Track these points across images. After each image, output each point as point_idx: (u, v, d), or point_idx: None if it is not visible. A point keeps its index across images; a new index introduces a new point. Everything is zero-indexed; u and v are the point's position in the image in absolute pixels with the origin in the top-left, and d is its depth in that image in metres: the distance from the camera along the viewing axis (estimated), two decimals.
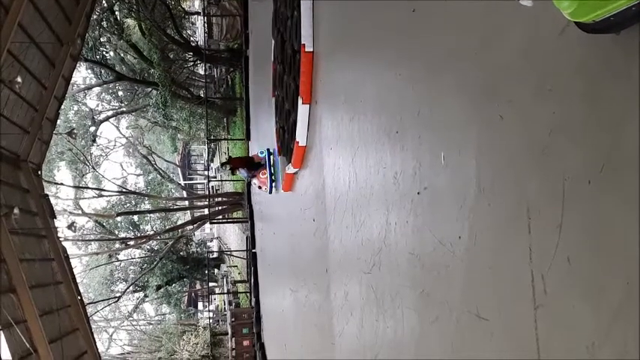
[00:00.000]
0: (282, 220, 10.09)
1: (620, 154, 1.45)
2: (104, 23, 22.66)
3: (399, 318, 3.21)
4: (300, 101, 6.18)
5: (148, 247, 30.39)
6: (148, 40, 21.73)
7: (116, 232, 30.72)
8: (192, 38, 29.08)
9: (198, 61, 26.29)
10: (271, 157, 10.04)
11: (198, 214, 27.95)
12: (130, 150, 39.82)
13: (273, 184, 10.07)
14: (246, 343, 19.77)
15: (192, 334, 28.07)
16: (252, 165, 10.84)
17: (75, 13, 10.68)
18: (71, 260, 12.34)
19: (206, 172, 41.51)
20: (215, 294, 38.79)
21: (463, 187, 2.35)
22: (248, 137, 19.56)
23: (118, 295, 30.31)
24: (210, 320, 31.03)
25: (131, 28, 23.92)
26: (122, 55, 26.58)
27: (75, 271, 13.12)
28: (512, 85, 2.00)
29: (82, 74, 29.41)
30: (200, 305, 47.14)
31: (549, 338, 1.77)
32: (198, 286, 41.48)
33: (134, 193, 32.96)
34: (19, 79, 8.95)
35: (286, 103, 7.63)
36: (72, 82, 15.07)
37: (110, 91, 31.92)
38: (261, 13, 12.08)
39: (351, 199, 4.34)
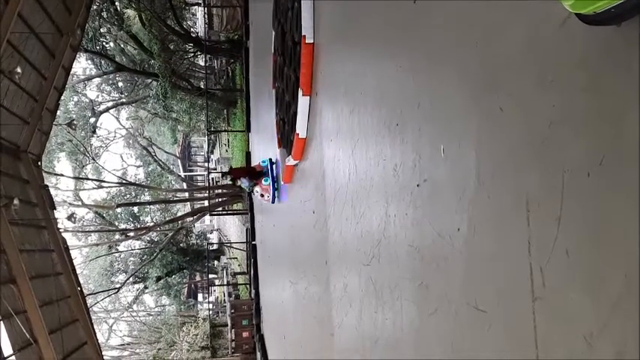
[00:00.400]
0: (281, 212, 10.10)
1: (620, 147, 1.45)
2: (104, 14, 22.59)
3: (397, 310, 3.22)
4: (300, 93, 6.16)
5: (148, 238, 30.44)
6: (148, 31, 21.66)
7: (116, 224, 30.76)
8: (192, 29, 28.98)
9: (199, 53, 26.21)
10: (274, 166, 9.92)
11: (198, 205, 27.98)
12: (130, 141, 39.80)
13: (276, 193, 9.95)
14: (245, 334, 19.85)
15: (191, 326, 28.16)
16: (254, 174, 10.71)
17: (75, 4, 10.64)
18: (71, 251, 12.38)
19: (206, 164, 41.47)
20: (215, 286, 38.92)
21: (463, 180, 2.35)
22: (248, 129, 19.53)
23: (117, 286, 30.39)
24: (210, 312, 31.11)
25: (131, 18, 23.86)
26: (122, 45, 26.52)
27: (75, 262, 13.16)
28: (512, 77, 2.00)
29: (81, 65, 29.39)
30: (200, 297, 47.29)
31: (547, 330, 1.77)
32: (198, 278, 41.59)
33: (134, 184, 32.97)
34: (18, 70, 8.94)
35: (286, 95, 7.62)
36: (72, 72, 15.03)
37: (110, 82, 31.88)
38: (261, 4, 12.03)
39: (351, 191, 4.34)
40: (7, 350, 8.79)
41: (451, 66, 2.51)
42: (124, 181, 33.03)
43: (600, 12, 1.37)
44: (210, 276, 38.13)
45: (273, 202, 10.16)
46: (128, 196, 32.67)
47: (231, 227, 37.04)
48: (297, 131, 6.60)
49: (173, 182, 38.46)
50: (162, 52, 21.77)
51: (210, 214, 27.30)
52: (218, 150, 39.86)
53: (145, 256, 30.67)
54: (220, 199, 25.45)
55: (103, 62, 25.66)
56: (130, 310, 38.28)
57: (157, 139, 41.47)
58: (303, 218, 7.16)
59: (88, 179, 30.43)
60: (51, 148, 26.29)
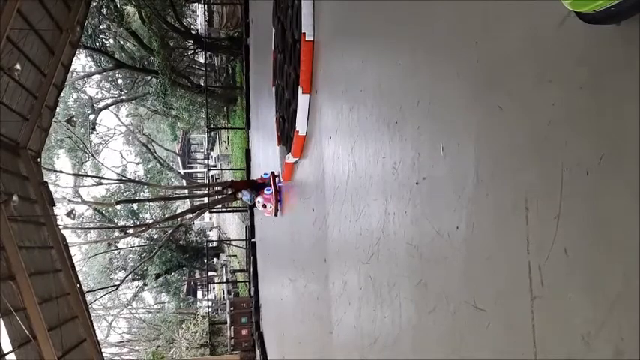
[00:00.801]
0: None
1: (620, 145, 1.45)
2: (104, 10, 22.57)
3: (396, 308, 3.22)
4: (300, 90, 6.16)
5: (148, 235, 30.45)
6: (148, 28, 21.64)
7: (115, 221, 30.79)
8: (192, 26, 28.99)
9: (199, 50, 26.20)
10: (276, 179, 9.79)
11: (198, 202, 27.97)
12: (130, 138, 39.82)
13: (279, 205, 9.81)
14: (244, 332, 19.87)
15: (191, 323, 28.19)
16: (255, 187, 10.59)
17: (74, 0, 10.62)
18: (70, 248, 12.38)
19: (206, 161, 41.47)
20: (214, 283, 38.93)
21: (462, 178, 2.35)
22: (248, 126, 19.54)
23: (117, 283, 30.39)
24: (209, 309, 31.16)
25: (131, 15, 23.81)
26: (122, 42, 26.49)
27: (74, 259, 13.17)
28: (511, 75, 2.00)
29: (81, 62, 29.36)
30: (199, 294, 47.33)
31: (545, 328, 1.78)
32: (197, 275, 41.61)
33: (134, 181, 32.97)
34: (18, 67, 8.93)
35: (286, 93, 7.61)
36: (71, 69, 15.02)
37: (110, 78, 31.87)
38: (261, 1, 12.02)
39: (350, 189, 4.34)
40: (7, 347, 8.80)
41: (451, 64, 2.51)
42: (123, 178, 33.02)
43: (600, 10, 1.37)
44: (210, 273, 38.17)
45: (275, 214, 9.97)
46: (127, 193, 32.69)
47: (231, 225, 37.07)
48: (296, 129, 6.60)
49: (172, 179, 38.47)
50: (162, 49, 21.75)
51: (210, 212, 27.30)
52: (218, 147, 39.85)
53: (145, 254, 30.70)
54: (220, 197, 25.44)
55: (102, 59, 25.64)
56: (130, 307, 38.33)
57: (156, 137, 41.48)
58: (302, 216, 7.16)
59: (87, 176, 30.44)
60: (50, 144, 26.30)
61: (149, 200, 32.04)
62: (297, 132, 6.62)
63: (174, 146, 46.51)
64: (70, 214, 12.06)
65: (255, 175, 17.03)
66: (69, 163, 31.72)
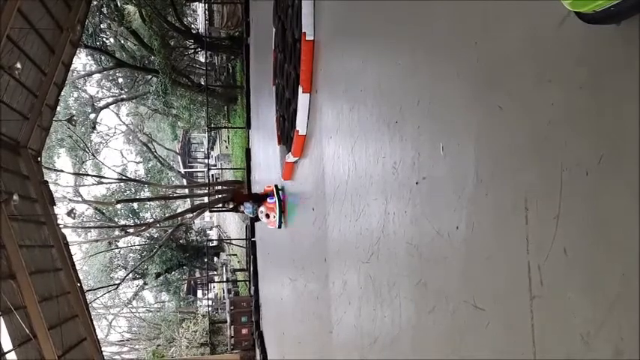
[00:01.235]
0: None
1: (619, 145, 1.45)
2: (104, 9, 22.56)
3: (396, 307, 3.22)
4: (300, 90, 6.16)
5: (148, 234, 30.46)
6: (149, 27, 21.64)
7: (116, 220, 30.80)
8: (193, 25, 28.98)
9: (199, 49, 26.19)
10: (280, 192, 9.57)
11: (198, 202, 27.98)
12: (130, 137, 39.81)
13: (283, 217, 9.52)
14: (244, 331, 19.89)
15: (191, 322, 28.22)
16: (258, 198, 10.43)
17: None
18: (71, 247, 12.38)
19: (206, 160, 41.48)
20: (214, 282, 38.95)
21: (461, 178, 2.35)
22: (248, 125, 19.54)
23: (117, 282, 30.41)
24: (210, 308, 31.20)
25: (131, 14, 23.79)
26: (122, 41, 26.48)
27: (74, 257, 13.17)
28: (511, 75, 2.00)
29: (81, 61, 29.36)
30: (199, 293, 47.35)
31: (544, 328, 1.78)
32: (197, 274, 41.63)
33: (134, 180, 32.99)
34: (18, 65, 8.93)
35: (286, 92, 7.61)
36: (72, 68, 15.02)
37: (110, 77, 31.88)
38: (262, 0, 12.02)
39: (350, 189, 4.35)
40: (7, 345, 8.81)
41: (451, 64, 2.51)
42: (123, 178, 33.03)
43: (599, 10, 1.37)
44: (210, 272, 38.17)
45: (279, 226, 9.66)
46: (128, 192, 32.69)
47: (231, 224, 37.08)
48: (297, 128, 6.60)
49: (173, 179, 38.48)
50: (163, 48, 21.75)
51: (210, 211, 27.30)
52: (218, 146, 39.85)
53: (145, 253, 30.71)
54: (220, 196, 25.45)
55: (103, 58, 25.63)
56: (130, 306, 38.35)
57: (156, 136, 41.48)
58: (302, 215, 7.16)
59: (87, 175, 30.45)
60: (51, 143, 26.29)
61: (149, 199, 32.05)
62: (298, 131, 6.62)
63: (174, 145, 46.52)
64: (70, 213, 12.07)
65: (256, 174, 17.05)
66: (69, 162, 31.73)
